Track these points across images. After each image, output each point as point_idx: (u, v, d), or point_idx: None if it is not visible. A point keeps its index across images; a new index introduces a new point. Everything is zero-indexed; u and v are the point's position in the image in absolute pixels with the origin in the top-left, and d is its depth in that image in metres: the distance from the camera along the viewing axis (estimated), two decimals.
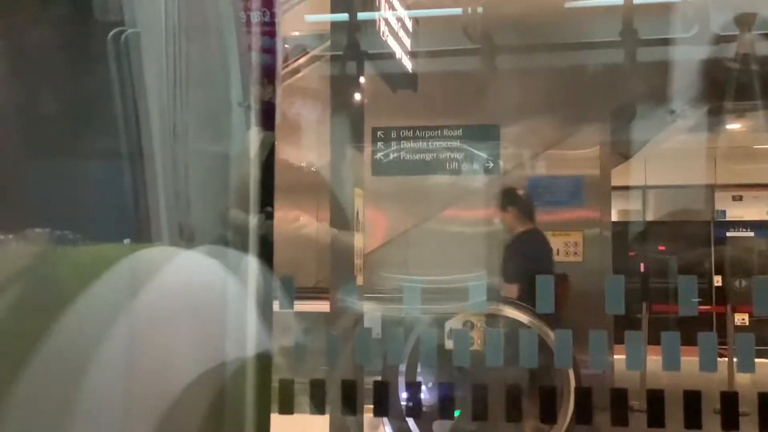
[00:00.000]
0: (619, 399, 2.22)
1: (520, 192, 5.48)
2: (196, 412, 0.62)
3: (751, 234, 11.30)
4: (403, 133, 6.19)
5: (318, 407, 2.26)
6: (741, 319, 9.83)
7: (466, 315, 4.12)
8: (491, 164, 6.16)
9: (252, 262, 0.92)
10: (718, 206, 10.93)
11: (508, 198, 5.36)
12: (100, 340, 0.60)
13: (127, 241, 0.97)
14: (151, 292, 0.63)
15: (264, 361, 0.70)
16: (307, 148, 5.73)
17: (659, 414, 2.17)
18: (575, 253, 6.39)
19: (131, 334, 0.61)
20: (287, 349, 2.37)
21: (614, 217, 7.55)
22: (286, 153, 5.55)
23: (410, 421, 4.40)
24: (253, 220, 1.17)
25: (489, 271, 5.22)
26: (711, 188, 10.41)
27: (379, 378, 2.75)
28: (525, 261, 4.93)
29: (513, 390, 2.35)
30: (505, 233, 5.26)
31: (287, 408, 2.15)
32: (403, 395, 3.57)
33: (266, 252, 1.37)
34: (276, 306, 2.19)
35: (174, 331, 0.63)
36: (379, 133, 6.19)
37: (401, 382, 3.75)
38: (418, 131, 6.21)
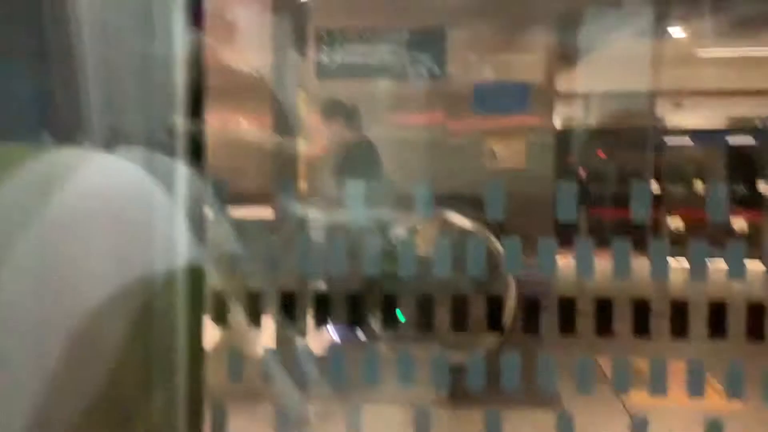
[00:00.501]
0: (566, 308, 2.17)
1: (345, 102, 5.28)
2: (119, 325, 0.57)
3: (690, 142, 11.45)
4: (348, 35, 5.97)
5: (254, 319, 2.16)
6: (676, 225, 10.04)
7: (411, 221, 4.05)
8: (437, 68, 6.01)
9: (180, 167, 0.86)
10: (659, 113, 10.99)
11: (333, 108, 5.17)
12: (5, 247, 0.55)
13: (44, 143, 0.88)
14: (63, 196, 0.57)
15: (195, 271, 0.66)
16: (248, 50, 5.49)
17: (608, 322, 2.13)
18: (518, 160, 6.35)
19: (41, 242, 0.55)
20: (222, 258, 2.26)
21: (556, 123, 7.52)
22: (226, 55, 5.31)
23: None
24: (183, 123, 1.11)
25: (435, 177, 5.13)
26: (652, 95, 10.44)
27: (322, 286, 2.66)
28: (355, 172, 4.82)
29: (459, 299, 2.28)
30: (332, 145, 5.09)
31: (222, 320, 2.05)
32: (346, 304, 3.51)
33: (196, 156, 1.29)
34: (210, 214, 2.06)
35: (91, 240, 0.57)
36: (323, 34, 5.96)
37: (344, 290, 3.68)
38: (364, 33, 6.00)
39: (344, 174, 4.71)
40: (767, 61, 10.26)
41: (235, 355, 2.14)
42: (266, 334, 2.52)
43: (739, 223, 11.22)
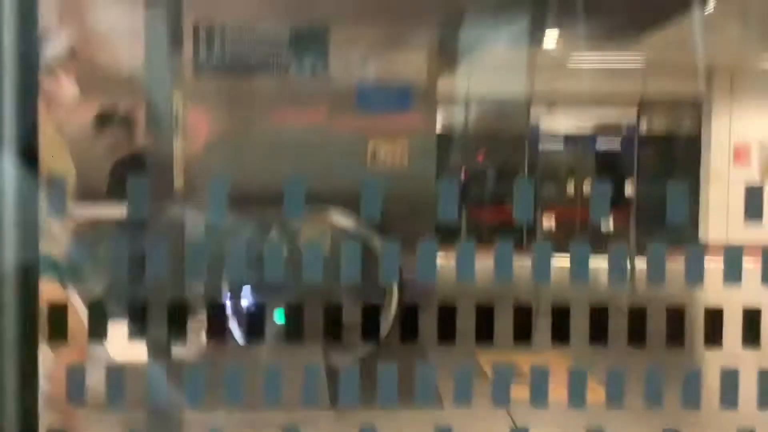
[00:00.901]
0: (446, 317, 1.93)
1: (122, 113, 4.69)
2: None
3: (561, 146, 11.66)
4: (227, 31, 5.62)
5: (96, 334, 1.82)
6: (549, 224, 10.14)
7: (287, 223, 3.75)
8: (320, 66, 5.74)
9: (8, 161, 0.83)
10: (533, 119, 11.11)
11: (106, 120, 4.62)
12: None
13: None
14: None
15: (27, 277, 0.67)
16: (119, 46, 5.05)
17: (489, 327, 1.91)
18: (400, 161, 6.17)
19: None
20: (61, 263, 1.91)
21: (438, 125, 7.41)
22: (94, 52, 4.86)
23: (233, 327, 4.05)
24: (10, 117, 1.00)
25: (314, 176, 4.82)
26: (527, 101, 10.50)
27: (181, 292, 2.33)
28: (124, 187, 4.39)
29: (332, 306, 2.01)
30: (106, 157, 4.59)
31: (59, 334, 1.70)
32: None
33: (29, 151, 1.04)
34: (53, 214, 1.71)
35: None
36: (201, 31, 5.59)
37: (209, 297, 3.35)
38: (243, 31, 5.66)
39: (114, 189, 4.15)
40: (632, 72, 10.50)
41: (74, 372, 1.78)
42: (117, 347, 2.18)
43: (605, 224, 11.44)
